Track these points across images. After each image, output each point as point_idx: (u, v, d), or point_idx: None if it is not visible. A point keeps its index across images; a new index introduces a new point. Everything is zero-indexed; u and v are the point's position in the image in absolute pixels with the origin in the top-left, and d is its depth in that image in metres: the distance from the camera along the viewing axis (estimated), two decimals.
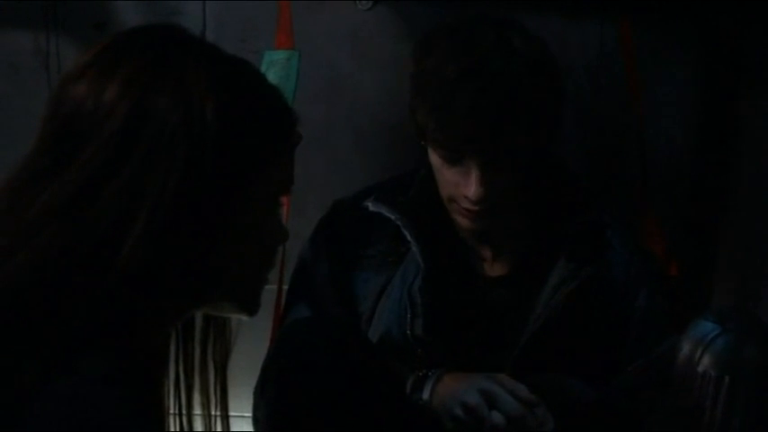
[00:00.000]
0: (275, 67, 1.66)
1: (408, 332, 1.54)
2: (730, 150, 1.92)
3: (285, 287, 1.72)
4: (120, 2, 1.89)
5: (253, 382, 1.53)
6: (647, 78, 1.90)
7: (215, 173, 0.91)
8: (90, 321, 0.88)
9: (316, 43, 1.89)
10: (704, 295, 1.95)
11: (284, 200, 1.80)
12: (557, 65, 1.50)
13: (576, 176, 1.65)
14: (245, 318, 1.03)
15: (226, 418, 1.08)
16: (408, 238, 1.55)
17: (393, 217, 1.56)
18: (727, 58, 1.91)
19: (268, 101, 0.98)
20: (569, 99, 1.57)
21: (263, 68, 1.68)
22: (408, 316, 1.54)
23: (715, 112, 1.94)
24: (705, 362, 1.27)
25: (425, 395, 1.47)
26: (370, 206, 1.59)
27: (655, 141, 1.92)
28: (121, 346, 0.89)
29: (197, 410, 1.08)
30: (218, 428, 1.10)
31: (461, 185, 1.47)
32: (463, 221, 1.53)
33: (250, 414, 1.52)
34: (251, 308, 1.02)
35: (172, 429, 1.05)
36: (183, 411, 1.06)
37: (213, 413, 1.07)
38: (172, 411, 1.06)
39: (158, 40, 0.94)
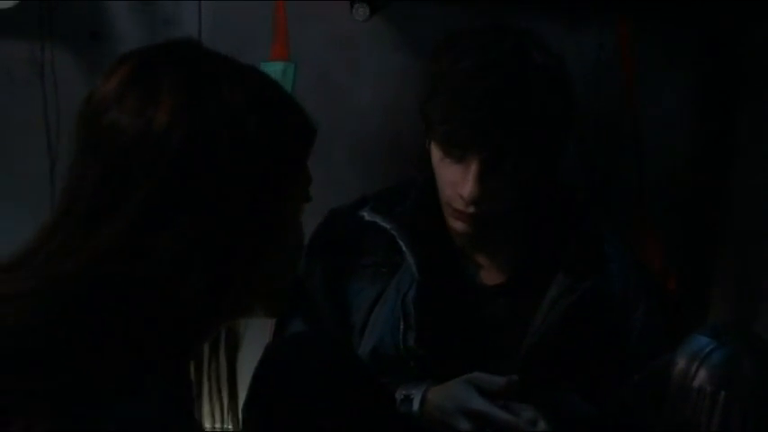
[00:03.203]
0: None
1: (401, 344, 1.53)
2: (729, 161, 1.92)
3: None
4: (116, 11, 1.89)
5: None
6: (646, 85, 1.90)
7: (261, 189, 0.94)
8: (154, 345, 0.89)
9: (312, 53, 1.89)
10: (702, 309, 1.94)
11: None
12: (572, 85, 1.51)
13: (574, 188, 1.64)
14: (270, 318, 1.08)
15: (235, 412, 1.10)
16: (403, 248, 1.55)
17: (388, 227, 1.56)
18: (726, 65, 1.90)
19: (295, 110, 1.01)
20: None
21: None
22: (401, 327, 1.53)
23: (714, 120, 1.94)
24: (701, 377, 1.26)
25: (415, 408, 1.47)
26: (366, 216, 1.58)
27: (653, 150, 1.92)
28: (179, 364, 0.92)
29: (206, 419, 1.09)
30: (229, 425, 1.12)
31: (459, 185, 1.47)
32: (457, 225, 1.52)
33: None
34: (279, 310, 1.06)
35: None
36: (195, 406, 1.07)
37: (224, 406, 1.09)
38: None
39: (188, 59, 0.96)
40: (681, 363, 1.28)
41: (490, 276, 1.60)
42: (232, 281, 0.94)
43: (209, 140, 0.91)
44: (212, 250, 0.92)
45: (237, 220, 0.93)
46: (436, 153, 1.50)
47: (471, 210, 1.48)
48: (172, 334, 0.91)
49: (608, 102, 1.92)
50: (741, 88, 1.90)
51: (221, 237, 0.92)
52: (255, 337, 1.73)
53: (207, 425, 1.09)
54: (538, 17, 1.80)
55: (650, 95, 1.92)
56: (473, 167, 1.45)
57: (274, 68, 1.67)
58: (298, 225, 1.04)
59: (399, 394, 1.49)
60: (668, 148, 1.95)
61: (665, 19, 1.89)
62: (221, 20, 1.89)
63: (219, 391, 1.09)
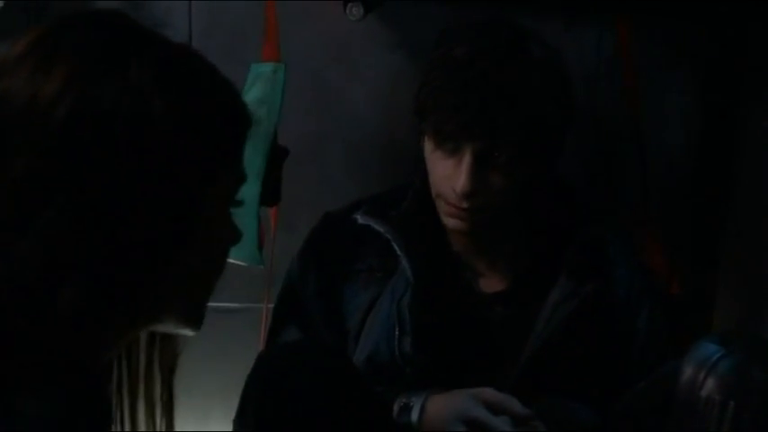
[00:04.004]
0: (261, 79, 1.64)
1: (397, 351, 1.51)
2: (733, 161, 1.90)
3: (271, 306, 1.68)
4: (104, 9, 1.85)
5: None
6: (647, 85, 1.88)
7: (166, 180, 0.84)
8: (31, 359, 0.81)
9: (305, 54, 1.87)
10: (706, 312, 1.93)
11: (271, 215, 1.78)
12: (570, 79, 1.49)
13: (576, 189, 1.62)
14: (189, 333, 0.95)
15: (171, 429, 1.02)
16: (398, 251, 1.52)
17: (382, 230, 1.54)
18: (728, 63, 1.89)
19: (225, 100, 0.91)
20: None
21: (248, 81, 1.65)
22: (396, 333, 1.51)
23: (717, 119, 1.93)
24: (709, 386, 1.23)
25: (414, 418, 1.45)
26: (359, 219, 1.56)
27: (655, 151, 1.90)
28: (65, 381, 0.82)
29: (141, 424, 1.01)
30: None
31: (452, 178, 1.45)
32: (451, 222, 1.50)
33: None
34: (196, 323, 0.95)
35: None
36: (126, 423, 0.99)
37: (159, 425, 1.00)
38: (114, 426, 0.99)
39: (100, 30, 0.87)
40: (688, 371, 1.25)
41: (489, 284, 1.57)
42: (124, 287, 0.84)
43: (100, 119, 0.82)
44: (93, 249, 0.82)
45: (126, 216, 0.83)
46: (429, 146, 1.49)
47: (465, 204, 1.46)
48: (48, 346, 0.82)
49: (608, 101, 1.90)
50: (744, 87, 1.89)
51: (105, 234, 0.82)
52: (247, 346, 1.73)
53: None
54: (536, 16, 1.79)
55: (651, 95, 1.90)
56: (466, 159, 1.43)
57: (264, 69, 1.64)
58: (222, 231, 0.94)
59: (399, 402, 1.47)
60: (670, 148, 1.93)
61: (666, 17, 1.87)
62: (212, 19, 1.87)
63: (153, 410, 1.00)
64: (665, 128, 1.92)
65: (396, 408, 1.47)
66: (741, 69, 1.88)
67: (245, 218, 1.51)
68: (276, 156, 1.64)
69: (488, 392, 1.42)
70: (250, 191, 1.56)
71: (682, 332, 1.63)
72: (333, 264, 1.58)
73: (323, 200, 1.83)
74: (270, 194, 1.65)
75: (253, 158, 1.58)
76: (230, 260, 0.98)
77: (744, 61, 1.87)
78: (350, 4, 1.71)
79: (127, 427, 0.98)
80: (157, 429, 1.00)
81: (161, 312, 0.91)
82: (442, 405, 1.44)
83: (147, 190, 0.83)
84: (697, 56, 1.91)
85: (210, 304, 0.95)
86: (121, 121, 0.82)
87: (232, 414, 1.45)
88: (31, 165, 0.81)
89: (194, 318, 0.94)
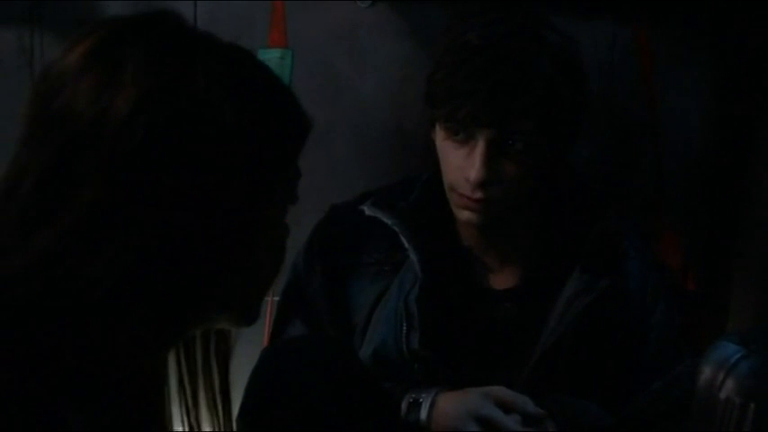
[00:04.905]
0: (268, 65, 1.61)
1: (404, 346, 1.49)
2: (749, 157, 1.89)
3: (276, 299, 1.66)
4: (106, 0, 1.84)
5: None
6: (663, 79, 1.87)
7: (237, 193, 0.84)
8: (84, 373, 0.80)
9: (313, 42, 1.85)
10: (722, 309, 1.91)
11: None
12: (584, 67, 1.48)
13: (590, 182, 1.61)
14: (243, 329, 0.97)
15: (229, 420, 1.03)
16: (406, 244, 1.51)
17: (390, 222, 1.52)
18: (745, 57, 1.88)
19: (287, 103, 0.91)
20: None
21: None
22: (404, 329, 1.49)
23: (734, 116, 1.91)
24: (728, 387, 1.20)
25: (423, 416, 1.44)
26: (367, 210, 1.55)
27: (670, 145, 1.89)
28: (114, 391, 0.81)
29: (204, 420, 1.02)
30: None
31: (465, 168, 1.43)
32: (464, 214, 1.47)
33: None
34: (251, 319, 0.95)
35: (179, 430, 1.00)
36: (191, 413, 1.00)
37: (220, 413, 1.01)
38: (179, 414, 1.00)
39: (160, 38, 0.85)
40: (706, 371, 1.22)
41: (499, 280, 1.56)
42: (195, 294, 0.85)
43: (175, 135, 0.80)
44: (169, 263, 0.82)
45: (205, 227, 0.83)
46: (440, 136, 1.47)
47: (478, 195, 1.43)
48: (117, 351, 0.81)
49: (624, 95, 1.89)
50: (761, 81, 1.87)
51: (181, 247, 0.82)
52: (251, 341, 1.71)
53: None
54: (550, 8, 1.76)
55: (668, 89, 1.89)
56: (479, 148, 1.41)
57: (272, 56, 1.64)
58: (281, 229, 0.94)
59: (408, 398, 1.46)
60: (686, 143, 1.92)
61: (684, 14, 1.86)
62: (218, 7, 1.84)
63: (214, 399, 1.00)
64: (680, 123, 1.91)
65: (404, 404, 1.46)
66: (760, 62, 1.87)
67: None
68: None
69: (501, 391, 1.42)
70: None
71: (696, 329, 1.61)
72: (339, 257, 1.56)
73: (329, 191, 1.81)
74: None
75: None
76: None
77: (763, 53, 1.86)
78: None
79: (192, 420, 0.99)
80: (219, 421, 1.01)
81: (221, 312, 0.92)
82: (453, 402, 1.43)
83: (222, 198, 0.83)
84: (714, 49, 1.89)
85: None
86: (198, 131, 0.81)
87: (235, 411, 1.44)
88: (103, 185, 0.80)
89: (251, 315, 0.95)
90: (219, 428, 1.02)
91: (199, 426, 1.01)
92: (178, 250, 0.82)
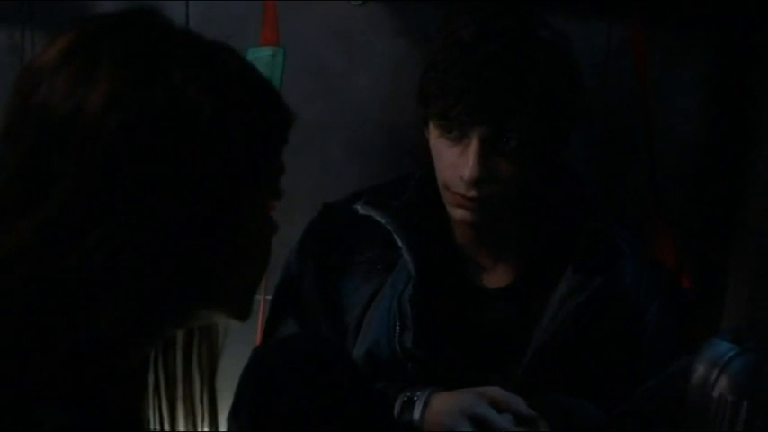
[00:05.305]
0: (259, 64, 1.64)
1: (397, 345, 1.49)
2: (744, 156, 1.89)
3: (268, 298, 1.66)
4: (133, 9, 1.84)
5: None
6: (657, 78, 1.86)
7: (217, 179, 0.84)
8: (62, 368, 0.80)
9: (306, 41, 1.85)
10: (717, 308, 1.91)
11: (270, 205, 1.76)
12: (578, 65, 1.48)
13: (584, 180, 1.61)
14: (235, 327, 0.96)
15: (215, 420, 1.01)
16: (399, 243, 1.51)
17: (383, 221, 1.52)
18: (742, 56, 1.88)
19: (267, 100, 0.91)
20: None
21: None
22: (397, 328, 1.50)
23: (729, 115, 1.91)
24: (721, 385, 1.22)
25: (416, 415, 1.43)
26: (360, 209, 1.54)
27: (665, 144, 1.88)
28: (92, 388, 0.82)
29: (181, 426, 1.00)
30: None
31: (459, 166, 1.43)
32: (457, 213, 1.47)
33: None
34: (244, 313, 0.95)
35: None
36: (166, 426, 0.99)
37: (200, 428, 0.99)
38: (152, 428, 0.98)
39: (137, 34, 0.85)
40: (700, 369, 1.23)
41: (493, 279, 1.56)
42: (175, 286, 0.84)
43: (149, 130, 0.81)
44: (147, 254, 0.82)
45: (182, 219, 0.83)
46: (434, 134, 1.47)
47: (472, 193, 1.44)
48: (96, 347, 0.81)
49: (618, 95, 1.89)
50: (757, 80, 1.87)
51: (158, 239, 0.82)
52: (242, 340, 1.71)
53: None
54: (544, 6, 1.76)
55: (662, 88, 1.88)
56: (473, 146, 1.41)
57: (263, 54, 1.64)
58: (266, 223, 0.94)
59: (402, 397, 1.46)
60: (681, 141, 1.92)
61: (679, 13, 1.86)
62: (210, 6, 1.84)
63: (194, 412, 0.99)
64: (676, 122, 1.90)
65: (398, 403, 1.46)
66: (757, 61, 1.86)
67: None
68: None
69: (494, 391, 1.42)
70: None
71: (691, 328, 1.62)
72: (332, 256, 1.56)
73: (322, 190, 1.81)
74: None
75: None
76: None
77: (760, 52, 1.86)
78: None
79: (167, 428, 0.99)
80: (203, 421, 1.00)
81: (212, 308, 0.91)
82: (446, 401, 1.43)
83: (199, 190, 0.83)
84: (711, 50, 1.89)
85: None
86: (173, 127, 0.82)
87: (226, 411, 1.43)
88: (79, 178, 0.80)
89: (243, 309, 0.94)
90: (203, 429, 1.00)
91: (174, 426, 0.99)
92: (155, 242, 0.82)
